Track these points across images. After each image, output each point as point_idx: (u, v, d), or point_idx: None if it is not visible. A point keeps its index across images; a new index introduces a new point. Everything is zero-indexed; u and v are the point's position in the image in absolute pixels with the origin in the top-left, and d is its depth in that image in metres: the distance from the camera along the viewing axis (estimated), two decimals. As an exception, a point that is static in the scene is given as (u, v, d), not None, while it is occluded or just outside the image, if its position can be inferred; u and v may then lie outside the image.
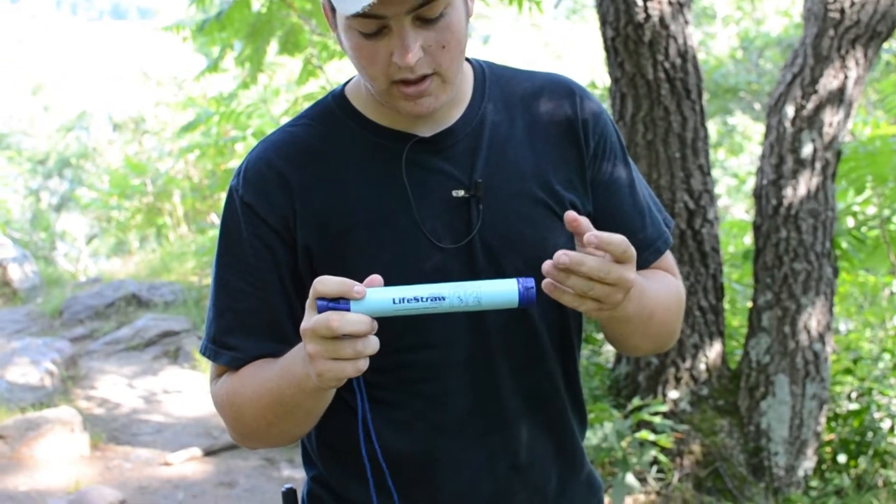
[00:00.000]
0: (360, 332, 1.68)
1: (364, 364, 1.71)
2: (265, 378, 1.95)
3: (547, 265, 1.71)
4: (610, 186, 2.12)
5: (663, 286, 2.10)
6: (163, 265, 13.31)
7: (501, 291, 1.72)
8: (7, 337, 9.85)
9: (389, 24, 1.80)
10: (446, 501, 1.99)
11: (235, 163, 12.59)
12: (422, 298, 1.69)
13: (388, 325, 1.82)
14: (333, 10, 1.89)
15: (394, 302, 1.68)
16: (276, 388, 1.91)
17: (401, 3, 1.77)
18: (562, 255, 1.69)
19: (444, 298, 1.70)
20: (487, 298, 1.72)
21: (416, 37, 1.82)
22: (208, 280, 11.63)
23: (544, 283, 1.73)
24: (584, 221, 1.75)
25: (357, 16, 1.79)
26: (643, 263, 2.13)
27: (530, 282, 1.73)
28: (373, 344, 1.70)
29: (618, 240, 1.72)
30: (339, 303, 1.68)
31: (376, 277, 1.73)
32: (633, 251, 1.74)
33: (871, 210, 6.46)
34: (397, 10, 1.78)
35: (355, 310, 1.68)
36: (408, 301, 1.69)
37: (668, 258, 2.21)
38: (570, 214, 1.75)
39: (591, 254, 1.74)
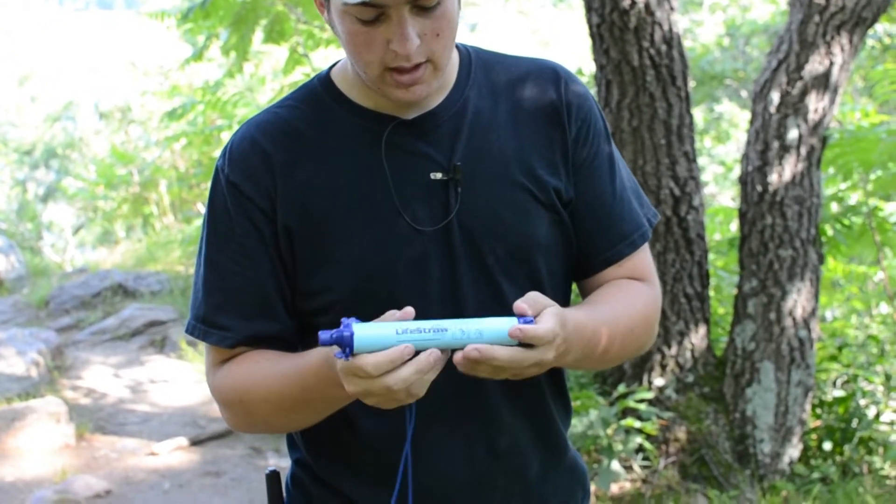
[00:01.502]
0: (397, 364, 1.69)
1: (418, 389, 1.74)
2: (284, 385, 1.95)
3: (457, 358, 1.72)
4: (591, 173, 2.11)
5: (623, 309, 2.09)
6: (149, 255, 13.30)
7: (502, 328, 1.74)
8: (-7, 327, 9.84)
9: (388, 11, 1.81)
10: (425, 487, 1.97)
11: (222, 152, 12.59)
12: (424, 330, 1.71)
13: (364, 306, 1.82)
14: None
15: (396, 333, 1.70)
16: (302, 397, 1.93)
17: None
18: (472, 351, 1.69)
19: (446, 330, 1.72)
20: (489, 333, 1.74)
21: (414, 25, 1.83)
22: (194, 269, 11.63)
23: (456, 358, 1.72)
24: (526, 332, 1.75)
25: (356, 4, 1.79)
26: (617, 256, 2.13)
27: (531, 321, 1.75)
28: (422, 367, 1.71)
29: (541, 337, 1.74)
30: (343, 338, 1.69)
31: (409, 310, 1.75)
32: (551, 331, 1.76)
33: (856, 197, 6.46)
34: None
35: (359, 344, 1.69)
36: (410, 332, 1.70)
37: (644, 255, 2.19)
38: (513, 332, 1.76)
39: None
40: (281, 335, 2.03)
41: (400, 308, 1.78)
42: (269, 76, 14.31)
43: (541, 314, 1.78)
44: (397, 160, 1.99)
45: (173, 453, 6.82)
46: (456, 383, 1.95)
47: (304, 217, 1.98)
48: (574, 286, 2.22)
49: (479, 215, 2.00)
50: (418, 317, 1.77)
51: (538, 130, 2.07)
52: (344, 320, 1.71)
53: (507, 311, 1.85)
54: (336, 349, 1.73)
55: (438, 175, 1.99)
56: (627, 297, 2.12)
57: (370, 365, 1.67)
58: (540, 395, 2.11)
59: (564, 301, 2.14)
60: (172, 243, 13.16)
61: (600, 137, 2.13)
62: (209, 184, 2.13)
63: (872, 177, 6.12)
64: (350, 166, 1.99)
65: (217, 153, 12.71)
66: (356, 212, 1.97)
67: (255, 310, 2.01)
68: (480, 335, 1.73)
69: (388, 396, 1.72)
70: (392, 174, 1.98)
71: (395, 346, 1.69)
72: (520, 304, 1.77)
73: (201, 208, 13.83)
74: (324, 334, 1.71)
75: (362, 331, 1.70)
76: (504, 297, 1.99)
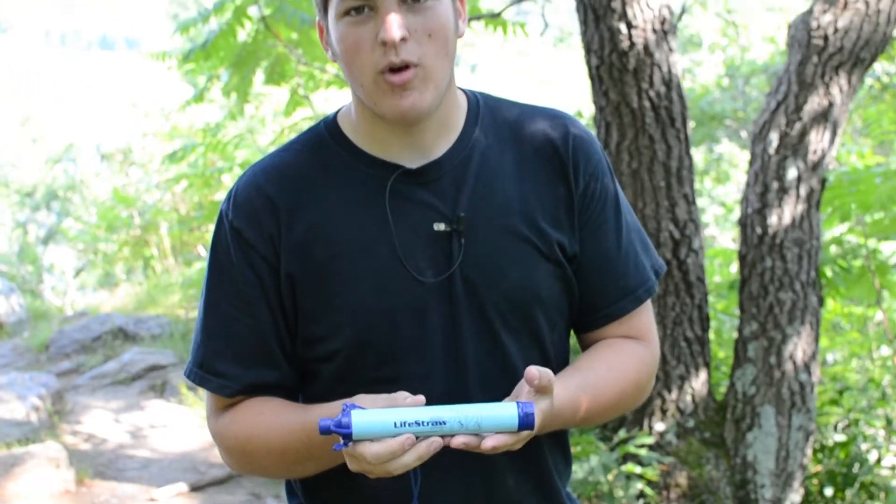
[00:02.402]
0: (396, 455, 1.71)
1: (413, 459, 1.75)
2: (289, 439, 1.95)
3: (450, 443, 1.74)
4: (597, 228, 2.10)
5: (615, 377, 2.09)
6: (149, 298, 13.29)
7: (502, 416, 1.75)
8: (-7, 371, 9.83)
9: (376, 3, 1.84)
10: None
11: (223, 195, 12.59)
12: (423, 422, 1.72)
13: (364, 355, 1.82)
14: (325, 9, 1.93)
15: (395, 426, 1.71)
16: (306, 452, 1.94)
17: None
18: (457, 441, 1.72)
19: (444, 423, 1.73)
20: (488, 422, 1.75)
21: (403, 17, 1.85)
22: (195, 313, 11.60)
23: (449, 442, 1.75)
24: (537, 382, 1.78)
25: None
26: (619, 312, 2.13)
27: (530, 407, 1.75)
28: (422, 455, 1.73)
29: (513, 442, 1.77)
30: (341, 427, 1.70)
31: (420, 398, 1.76)
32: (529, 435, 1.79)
33: (854, 238, 6.46)
34: None
35: (357, 432, 1.70)
36: (409, 425, 1.71)
37: (646, 312, 2.19)
38: (529, 373, 1.78)
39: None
40: (280, 383, 2.03)
41: (399, 359, 1.81)
42: (270, 117, 14.36)
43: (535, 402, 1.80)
44: (401, 209, 1.99)
45: (173, 499, 6.79)
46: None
47: (306, 264, 1.98)
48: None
49: (482, 267, 2.00)
50: (419, 371, 1.78)
51: (543, 183, 2.07)
52: (344, 406, 1.72)
53: (507, 365, 1.87)
54: (337, 441, 1.75)
55: (442, 226, 1.99)
56: (621, 363, 2.12)
57: (370, 455, 1.69)
58: (538, 448, 2.10)
59: (564, 353, 2.14)
60: (173, 286, 13.16)
61: (607, 194, 2.12)
62: (210, 227, 2.14)
63: (870, 219, 6.12)
64: (353, 214, 2.00)
65: (218, 196, 12.75)
66: (358, 260, 1.98)
67: (254, 357, 2.01)
68: (479, 426, 1.73)
69: (389, 476, 1.74)
70: (395, 224, 1.98)
71: (393, 435, 1.70)
72: (531, 370, 1.77)
73: (202, 251, 13.85)
74: (323, 422, 1.72)
75: (360, 418, 1.70)
76: (505, 350, 1.99)
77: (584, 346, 2.20)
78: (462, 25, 2.01)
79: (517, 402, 1.75)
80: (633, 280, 2.14)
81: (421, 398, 1.75)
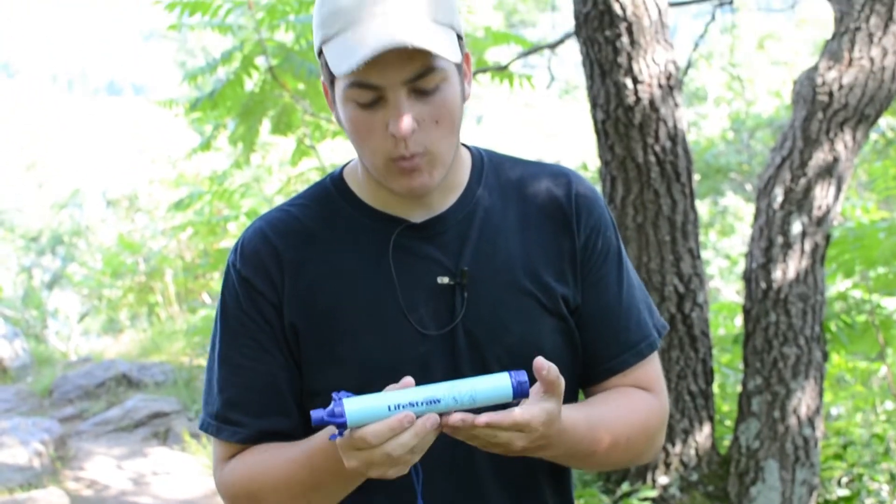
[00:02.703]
0: (397, 432, 1.69)
1: (419, 451, 1.73)
2: (293, 470, 1.95)
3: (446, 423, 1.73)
4: (599, 281, 2.11)
5: (622, 417, 2.08)
6: (153, 345, 13.29)
7: (495, 387, 1.75)
8: (-4, 416, 9.82)
9: (385, 94, 1.83)
10: None
11: (228, 242, 12.62)
12: (417, 403, 1.71)
13: None
14: (332, 82, 1.92)
15: (389, 409, 1.70)
16: (311, 481, 1.92)
17: (397, 72, 1.82)
18: (454, 418, 1.71)
19: (439, 401, 1.72)
20: (482, 395, 1.74)
21: (411, 107, 1.85)
22: (199, 360, 11.60)
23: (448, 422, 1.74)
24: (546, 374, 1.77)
25: (353, 86, 1.83)
26: (622, 365, 2.13)
27: (522, 375, 1.76)
28: (420, 432, 1.71)
29: (512, 423, 1.74)
30: (334, 415, 1.69)
31: (409, 380, 1.75)
32: (527, 424, 1.76)
33: (858, 293, 6.47)
34: (393, 79, 1.82)
35: (351, 419, 1.69)
36: (403, 407, 1.70)
37: (653, 365, 2.18)
38: (538, 363, 1.78)
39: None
40: (293, 431, 2.03)
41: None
42: (276, 166, 14.39)
43: (534, 401, 1.79)
44: (404, 263, 2.01)
45: (175, 547, 6.79)
46: (457, 480, 1.99)
47: (309, 316, 2.00)
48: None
49: (485, 321, 2.01)
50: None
51: (547, 237, 2.09)
52: (335, 395, 1.72)
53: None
54: (331, 431, 1.74)
55: (445, 279, 2.01)
56: (629, 405, 2.11)
57: (370, 434, 1.67)
58: (541, 496, 2.11)
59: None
60: (177, 333, 13.15)
61: (610, 248, 2.14)
62: (215, 274, 2.16)
63: (873, 274, 6.14)
64: (357, 267, 2.01)
65: (223, 244, 12.76)
66: (362, 313, 1.99)
67: (267, 406, 2.03)
68: (473, 401, 1.73)
69: (390, 464, 1.71)
70: (399, 277, 2.00)
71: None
72: (540, 360, 1.77)
73: (207, 298, 13.86)
74: (316, 413, 1.71)
75: (353, 405, 1.70)
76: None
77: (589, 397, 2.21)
78: (468, 88, 2.02)
79: (509, 372, 1.76)
80: (635, 334, 2.14)
81: (410, 380, 1.75)
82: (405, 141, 1.85)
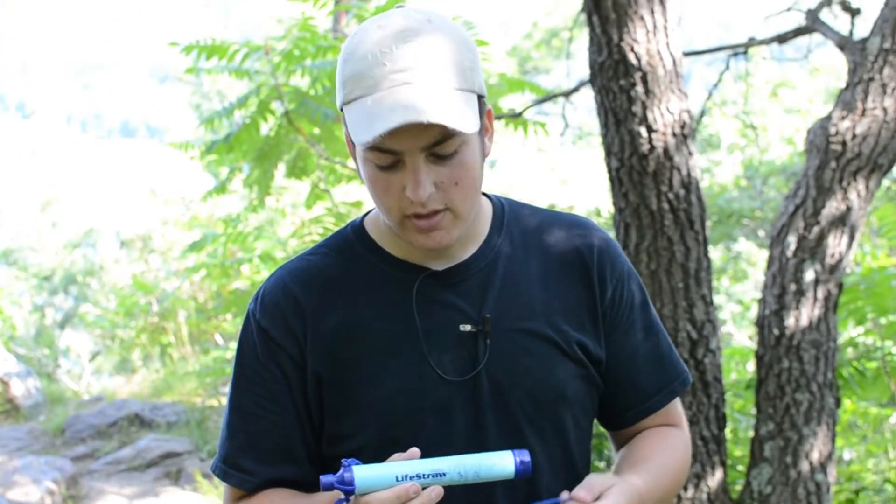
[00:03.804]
0: (403, 500, 1.74)
1: None
2: None
3: None
4: (627, 329, 2.16)
5: (671, 464, 2.16)
6: (166, 385, 13.28)
7: (499, 465, 1.81)
8: (9, 454, 9.81)
9: (404, 158, 1.86)
10: None
11: (241, 284, 12.61)
12: (423, 475, 1.76)
13: (388, 453, 1.85)
14: (353, 142, 1.94)
15: (396, 479, 1.74)
16: None
17: (414, 139, 1.84)
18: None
19: (444, 474, 1.78)
20: (486, 472, 1.81)
21: (429, 172, 1.88)
22: (211, 401, 11.60)
23: None
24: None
25: (372, 149, 1.85)
26: (657, 405, 2.17)
27: (525, 454, 1.82)
28: (425, 502, 1.76)
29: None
30: (343, 482, 1.73)
31: (415, 451, 1.81)
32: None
33: (870, 340, 6.47)
34: (410, 145, 1.85)
35: (359, 487, 1.72)
36: (410, 478, 1.75)
37: (677, 401, 2.24)
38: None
39: None
40: (301, 480, 2.06)
41: (423, 457, 1.82)
42: (289, 209, 14.42)
43: (605, 493, 1.83)
44: (427, 310, 2.04)
45: (187, 587, 6.79)
46: None
47: (333, 363, 2.03)
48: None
49: (508, 368, 2.04)
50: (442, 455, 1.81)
51: (567, 287, 2.12)
52: (344, 462, 1.75)
53: (533, 467, 1.90)
54: (339, 496, 1.78)
55: (468, 327, 2.03)
56: (671, 450, 2.17)
57: (377, 501, 1.72)
58: None
59: (587, 453, 2.17)
60: (190, 374, 13.14)
61: (633, 294, 2.18)
62: (227, 316, 2.19)
63: (885, 321, 6.14)
64: (380, 315, 2.04)
65: (236, 285, 12.77)
66: (384, 359, 2.02)
67: (277, 454, 2.05)
68: (478, 476, 1.78)
69: None
70: (422, 324, 2.02)
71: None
72: (579, 493, 1.85)
73: (219, 339, 13.84)
74: (325, 478, 1.74)
75: (363, 472, 1.73)
76: (528, 449, 2.02)
77: (620, 441, 2.24)
78: (489, 144, 2.04)
79: (512, 451, 1.81)
80: (668, 374, 2.19)
81: (416, 451, 1.79)
82: (424, 203, 1.89)
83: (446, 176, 1.90)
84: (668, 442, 2.18)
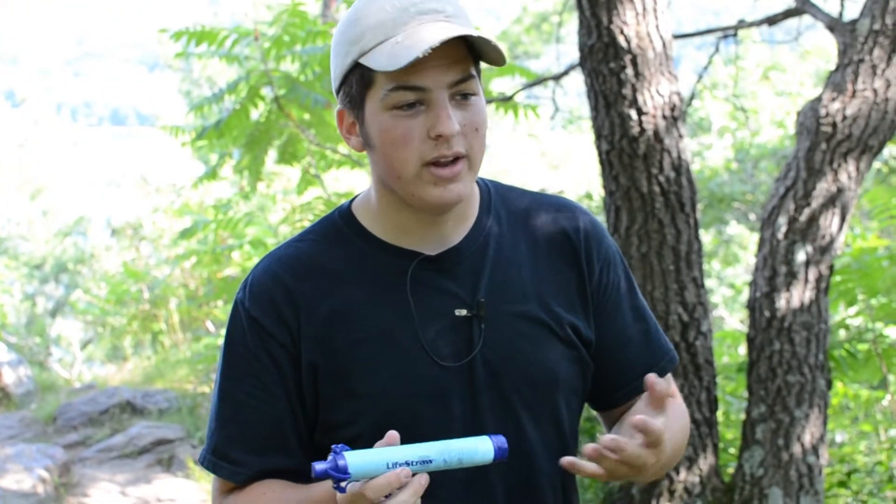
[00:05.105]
0: (393, 486, 1.74)
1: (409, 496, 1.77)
2: None
3: (589, 449, 1.82)
4: (614, 310, 2.17)
5: (678, 424, 2.17)
6: (157, 372, 13.26)
7: (480, 450, 1.84)
8: (1, 443, 9.80)
9: (429, 97, 1.88)
10: None
11: (231, 271, 12.60)
12: (412, 462, 1.78)
13: (380, 439, 1.85)
14: (362, 99, 1.95)
15: (387, 466, 1.75)
16: None
17: (442, 74, 1.88)
18: (608, 441, 1.82)
19: (431, 461, 1.79)
20: (468, 457, 1.83)
21: (454, 113, 1.90)
22: (203, 388, 11.59)
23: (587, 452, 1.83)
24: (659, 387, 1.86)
25: (396, 89, 1.87)
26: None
27: (502, 440, 1.86)
28: (417, 490, 1.76)
29: (656, 430, 1.83)
30: (337, 470, 1.73)
31: (393, 434, 1.80)
32: (663, 439, 1.85)
33: (859, 321, 6.48)
34: (439, 81, 1.88)
35: (354, 473, 1.75)
36: (399, 465, 1.76)
37: (669, 377, 2.25)
38: (650, 378, 1.87)
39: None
40: (293, 469, 2.04)
41: (420, 443, 1.82)
42: (280, 195, 14.40)
43: (652, 415, 1.87)
44: (421, 296, 2.03)
45: (179, 574, 6.78)
46: None
47: (327, 352, 2.01)
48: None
49: (502, 351, 2.04)
50: None
51: (555, 268, 2.12)
52: (335, 448, 1.75)
53: (522, 447, 1.92)
54: (331, 485, 1.78)
55: (463, 311, 2.03)
56: (678, 416, 2.21)
57: (370, 490, 1.71)
58: None
59: (576, 433, 2.18)
60: (181, 361, 13.13)
61: (619, 276, 2.19)
62: (218, 303, 2.17)
63: (875, 302, 6.15)
64: (372, 300, 2.03)
65: (227, 272, 12.76)
66: (380, 347, 2.01)
67: (268, 444, 2.04)
68: (460, 462, 1.82)
69: None
70: (417, 310, 2.02)
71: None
72: (652, 376, 1.89)
73: (211, 326, 13.83)
74: (318, 465, 1.74)
75: (355, 459, 1.74)
76: (525, 433, 2.04)
77: (611, 421, 2.25)
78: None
79: (490, 436, 1.85)
80: (657, 352, 2.20)
81: (395, 434, 1.79)
82: (449, 141, 1.89)
83: (468, 119, 1.91)
84: (675, 412, 2.19)
